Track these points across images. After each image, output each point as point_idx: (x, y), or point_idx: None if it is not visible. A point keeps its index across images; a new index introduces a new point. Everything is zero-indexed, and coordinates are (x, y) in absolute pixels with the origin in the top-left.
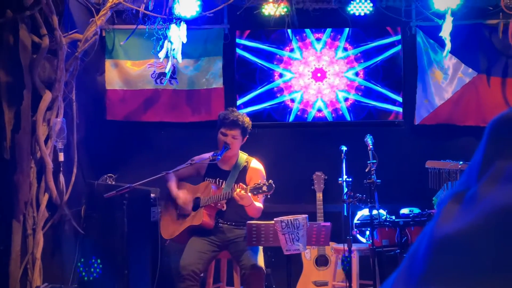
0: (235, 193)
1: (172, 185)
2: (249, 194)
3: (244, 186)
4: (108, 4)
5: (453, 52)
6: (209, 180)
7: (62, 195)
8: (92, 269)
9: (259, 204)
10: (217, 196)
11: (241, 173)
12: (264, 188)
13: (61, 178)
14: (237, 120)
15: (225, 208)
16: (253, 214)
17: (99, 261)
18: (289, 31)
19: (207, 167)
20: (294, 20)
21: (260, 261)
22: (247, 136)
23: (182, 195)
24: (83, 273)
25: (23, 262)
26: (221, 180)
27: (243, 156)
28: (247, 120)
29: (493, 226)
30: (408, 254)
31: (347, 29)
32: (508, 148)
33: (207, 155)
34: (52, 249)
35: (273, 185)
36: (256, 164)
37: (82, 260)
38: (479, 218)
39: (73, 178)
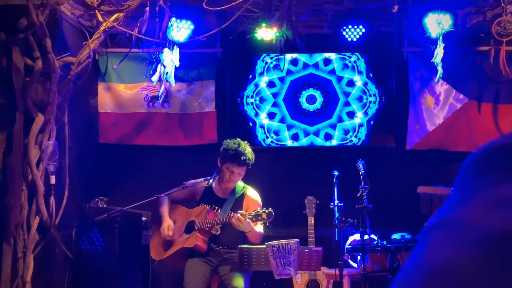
0: (233, 218)
1: (163, 210)
2: (248, 220)
3: (244, 212)
4: (102, 28)
5: (444, 78)
6: (204, 205)
7: (53, 218)
8: None
9: (259, 229)
10: (213, 221)
11: (238, 200)
12: (264, 215)
13: (52, 201)
14: (249, 160)
15: (219, 232)
16: (255, 239)
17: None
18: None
19: (203, 194)
20: (297, 44)
21: (245, 285)
22: None
23: (167, 227)
24: None
25: (13, 286)
26: (216, 207)
27: (240, 184)
28: (253, 156)
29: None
30: (396, 281)
31: (338, 53)
32: (493, 175)
33: (199, 181)
34: (42, 273)
35: (273, 213)
36: (252, 193)
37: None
38: (472, 245)
39: (64, 201)
